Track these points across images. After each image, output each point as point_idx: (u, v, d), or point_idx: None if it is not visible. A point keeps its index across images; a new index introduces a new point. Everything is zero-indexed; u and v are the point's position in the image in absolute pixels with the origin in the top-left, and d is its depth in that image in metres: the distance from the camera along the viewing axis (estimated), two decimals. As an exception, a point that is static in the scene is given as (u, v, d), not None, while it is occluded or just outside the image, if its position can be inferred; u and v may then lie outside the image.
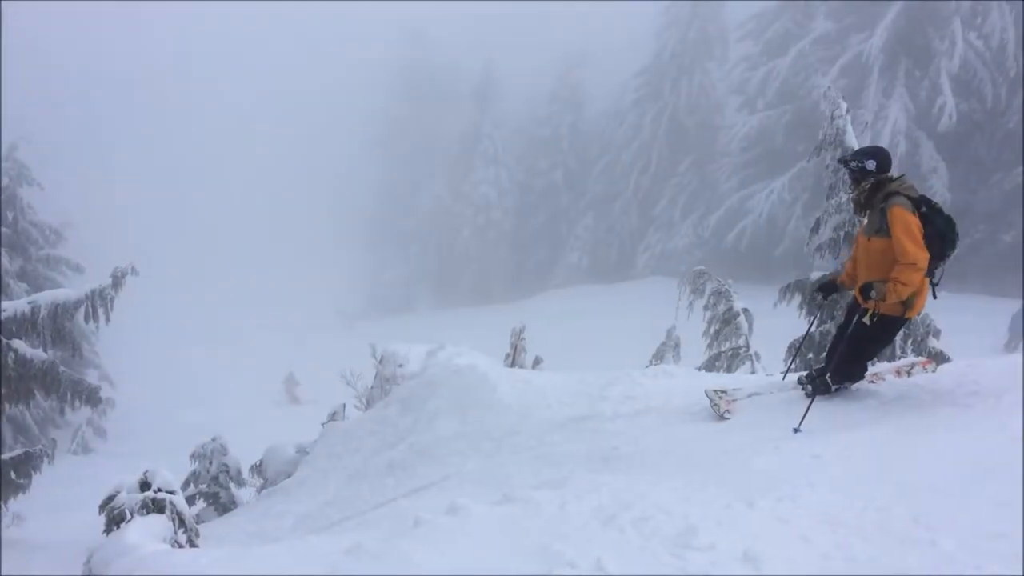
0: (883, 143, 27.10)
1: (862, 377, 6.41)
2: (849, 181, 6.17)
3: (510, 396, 8.41)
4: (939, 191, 27.81)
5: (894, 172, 5.95)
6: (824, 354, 8.00)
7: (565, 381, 8.70)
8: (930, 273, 5.70)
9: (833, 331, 10.31)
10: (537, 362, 13.50)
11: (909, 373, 6.65)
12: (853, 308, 6.20)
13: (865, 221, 6.03)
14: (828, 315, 11.39)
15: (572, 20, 49.15)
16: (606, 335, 27.85)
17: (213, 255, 45.69)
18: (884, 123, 28.81)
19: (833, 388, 6.29)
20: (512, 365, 12.84)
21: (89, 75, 51.33)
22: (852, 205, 6.19)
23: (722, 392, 6.79)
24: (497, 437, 7.62)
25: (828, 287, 6.63)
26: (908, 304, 5.70)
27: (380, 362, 11.09)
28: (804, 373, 6.99)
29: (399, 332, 22.19)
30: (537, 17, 50.42)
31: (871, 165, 5.86)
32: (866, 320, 5.84)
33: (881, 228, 5.70)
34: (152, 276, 12.55)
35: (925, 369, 6.71)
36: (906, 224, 5.48)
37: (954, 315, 12.33)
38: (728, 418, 6.43)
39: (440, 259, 53.57)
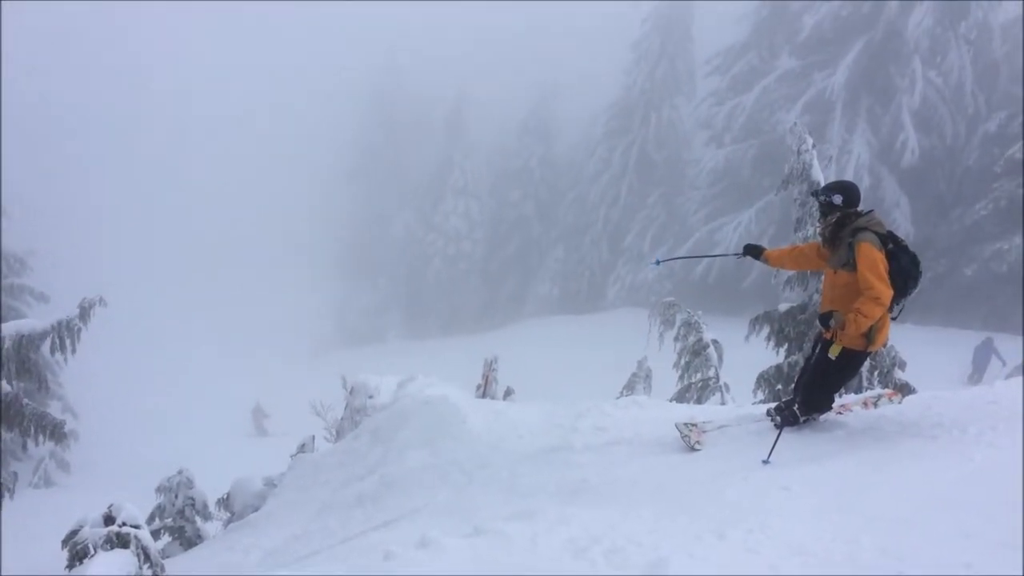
0: (847, 177, 27.49)
1: (830, 408, 6.48)
2: (818, 214, 6.28)
3: (481, 427, 8.38)
4: (902, 225, 28.31)
5: (862, 208, 6.05)
6: (792, 386, 8.07)
7: (536, 412, 8.69)
8: (891, 308, 5.80)
9: (801, 362, 10.44)
10: (508, 393, 13.45)
11: (876, 404, 6.74)
12: (820, 339, 6.29)
13: (831, 254, 6.12)
14: (796, 346, 11.53)
15: (544, 53, 49.70)
16: (577, 366, 27.86)
17: (182, 283, 45.08)
18: (848, 158, 29.34)
19: (801, 419, 6.36)
20: (483, 396, 12.78)
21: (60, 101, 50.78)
22: (819, 239, 6.28)
23: (692, 425, 6.83)
24: (468, 469, 7.58)
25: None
26: (870, 338, 5.80)
27: (350, 393, 11.05)
28: (773, 405, 7.06)
29: (370, 362, 22.09)
30: (509, 49, 50.92)
31: (838, 200, 5.97)
32: (830, 354, 5.93)
33: (847, 262, 5.80)
34: (120, 304, 12.36)
35: (891, 400, 6.80)
36: (872, 260, 5.59)
37: (919, 347, 12.52)
38: (698, 449, 6.46)
39: (411, 289, 53.35)
